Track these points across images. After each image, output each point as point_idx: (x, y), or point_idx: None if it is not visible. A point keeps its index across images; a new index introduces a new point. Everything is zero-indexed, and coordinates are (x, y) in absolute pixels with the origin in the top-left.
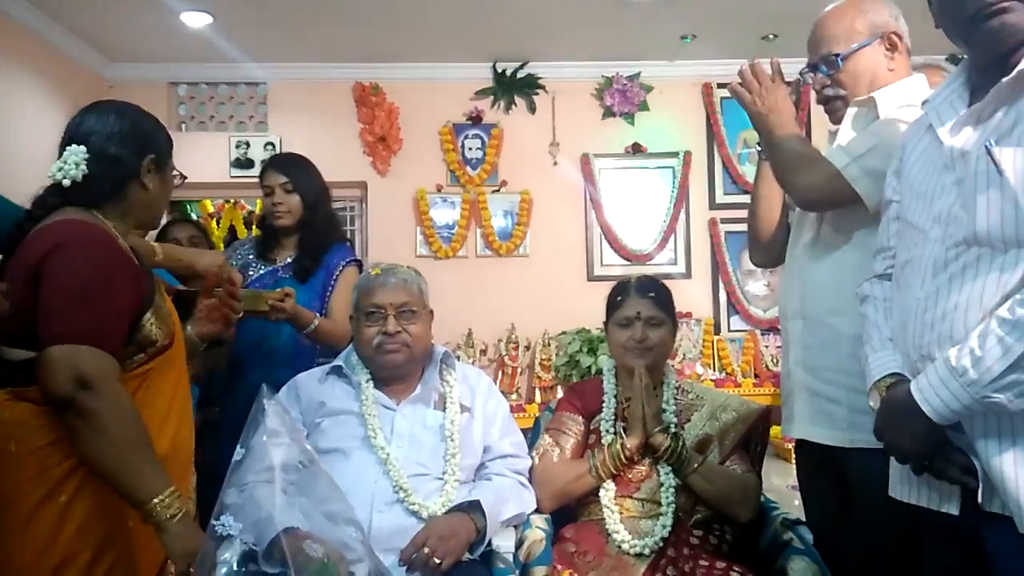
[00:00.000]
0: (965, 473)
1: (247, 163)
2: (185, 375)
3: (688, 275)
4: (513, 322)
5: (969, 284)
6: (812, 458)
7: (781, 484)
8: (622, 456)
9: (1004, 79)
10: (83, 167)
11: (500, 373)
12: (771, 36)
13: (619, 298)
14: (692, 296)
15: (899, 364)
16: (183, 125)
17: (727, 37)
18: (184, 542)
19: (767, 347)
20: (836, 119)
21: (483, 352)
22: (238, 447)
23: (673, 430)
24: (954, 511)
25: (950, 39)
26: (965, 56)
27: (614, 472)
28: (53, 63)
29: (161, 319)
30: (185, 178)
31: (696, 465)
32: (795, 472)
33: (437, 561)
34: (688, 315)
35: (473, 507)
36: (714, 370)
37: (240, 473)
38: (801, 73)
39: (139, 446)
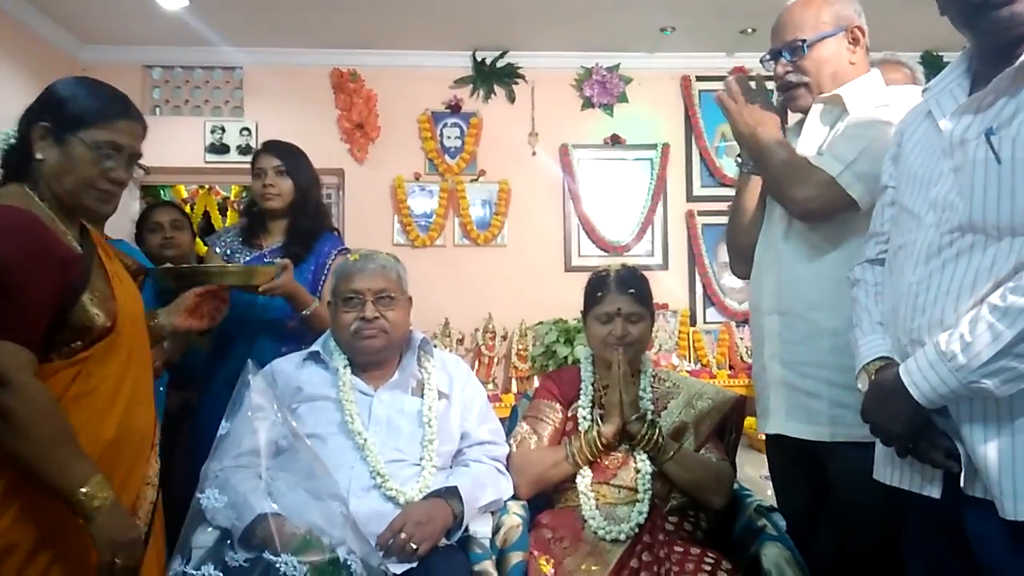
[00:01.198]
0: (948, 457)
1: (222, 148)
2: (139, 357)
3: (665, 266)
4: (490, 311)
5: (962, 270)
6: (786, 452)
7: (755, 474)
8: (598, 443)
9: (1007, 69)
10: (8, 141)
11: (477, 362)
12: (750, 30)
13: (599, 293)
14: (669, 287)
15: (888, 348)
16: (157, 109)
17: (706, 30)
18: (109, 532)
19: (742, 339)
20: (796, 107)
21: (460, 341)
22: (223, 422)
23: (650, 418)
24: (936, 494)
25: (955, 26)
26: (965, 46)
27: (591, 459)
28: (26, 44)
29: (102, 301)
30: (147, 171)
31: (672, 452)
32: (767, 465)
33: (414, 547)
34: (664, 306)
35: (450, 493)
36: (690, 361)
37: (224, 449)
38: (762, 60)
39: (59, 438)
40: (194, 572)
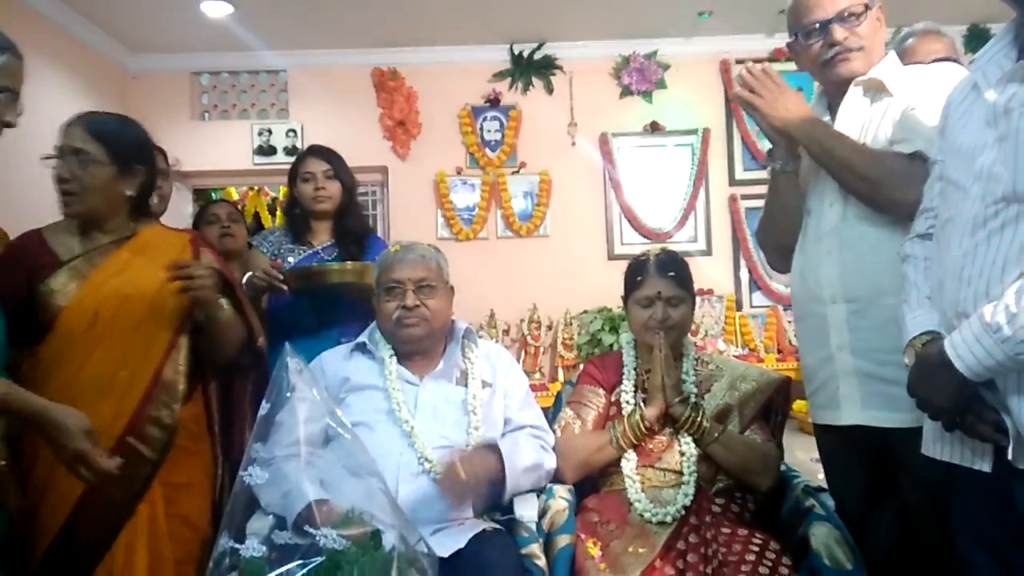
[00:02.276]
0: (996, 431)
1: (269, 150)
2: (117, 351)
3: (709, 252)
4: (535, 302)
5: (1008, 241)
6: (844, 437)
7: (805, 457)
8: (641, 426)
9: None
10: None
11: (523, 353)
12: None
13: (638, 277)
14: (713, 273)
15: (935, 322)
16: (206, 114)
17: (744, 12)
18: None
19: (790, 322)
20: (848, 72)
21: (506, 332)
22: (263, 402)
23: (693, 400)
24: (987, 468)
25: None
26: (1011, 19)
27: (635, 442)
28: (77, 55)
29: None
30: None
31: (716, 435)
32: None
33: (463, 477)
34: (710, 292)
35: (493, 447)
36: (737, 346)
37: (268, 434)
38: (798, 35)
39: None
40: (240, 546)
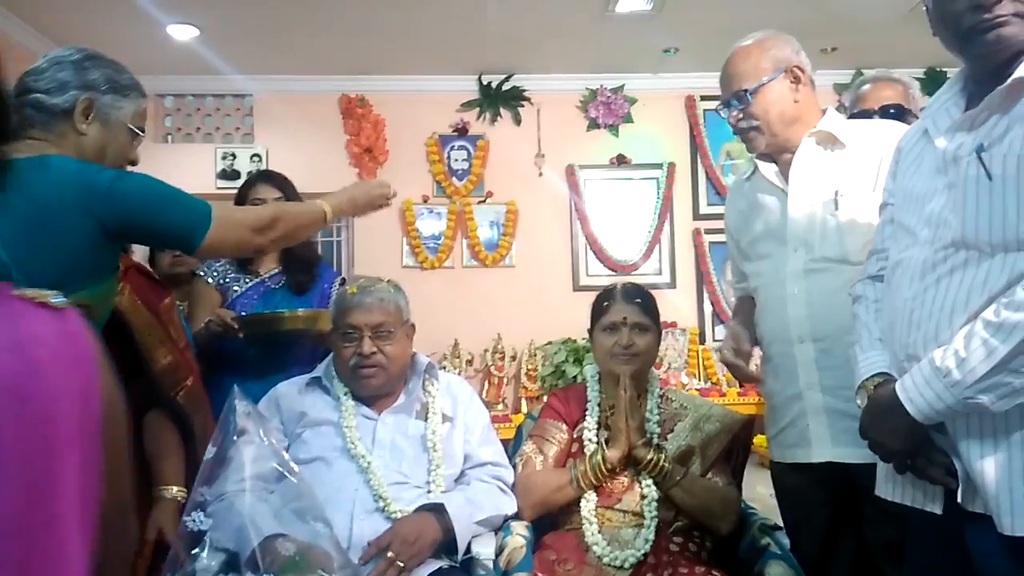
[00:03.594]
0: (946, 474)
1: (233, 174)
2: None
3: (673, 285)
4: (499, 332)
5: (956, 286)
6: (809, 475)
7: (765, 492)
8: (603, 468)
9: (999, 87)
10: None
11: (486, 383)
12: None
13: (605, 304)
14: (677, 306)
15: (887, 364)
16: (169, 137)
17: (709, 50)
18: None
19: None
20: (753, 147)
21: (469, 362)
22: (209, 446)
23: (655, 442)
24: (937, 510)
25: (947, 49)
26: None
27: (595, 483)
28: None
29: None
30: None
31: (678, 478)
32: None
33: (400, 565)
34: (673, 324)
35: (440, 508)
36: (699, 379)
37: (214, 477)
38: (717, 109)
39: None
40: None
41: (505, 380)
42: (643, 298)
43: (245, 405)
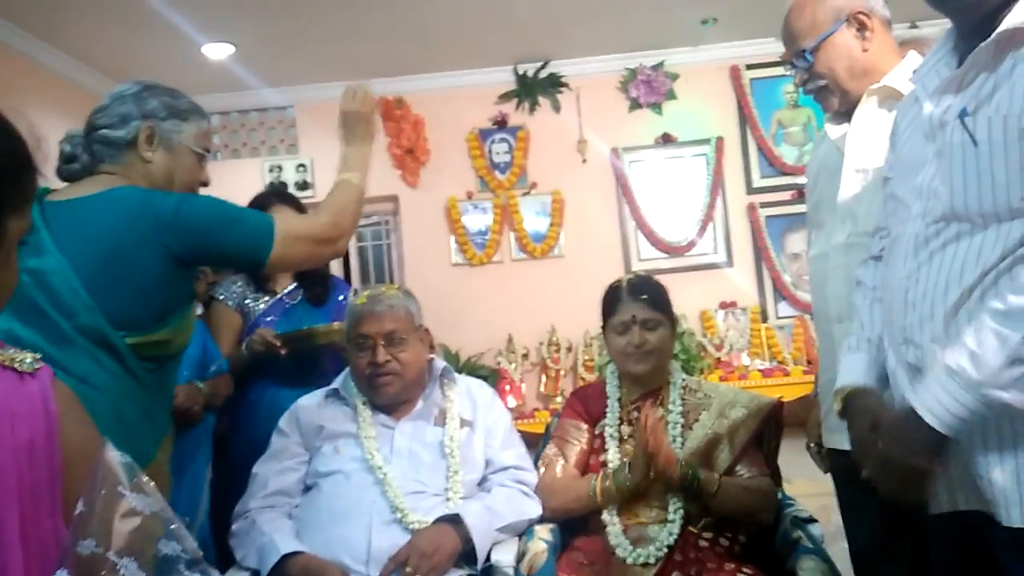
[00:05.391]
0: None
1: (281, 187)
2: None
3: (730, 263)
4: (553, 324)
5: (948, 261)
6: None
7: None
8: (617, 494)
9: (983, 43)
10: None
11: (543, 376)
12: None
13: (612, 303)
14: (736, 284)
15: (864, 374)
16: (218, 154)
17: (750, 16)
18: None
19: None
20: (826, 108)
21: (525, 356)
22: (80, 502)
23: (683, 470)
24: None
25: (930, 5)
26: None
27: (614, 502)
28: (85, 104)
29: None
30: None
31: (715, 490)
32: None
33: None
34: (733, 304)
35: (457, 518)
36: (764, 359)
37: (87, 533)
38: (785, 72)
39: None
40: None
41: (562, 372)
42: (651, 292)
43: (115, 455)
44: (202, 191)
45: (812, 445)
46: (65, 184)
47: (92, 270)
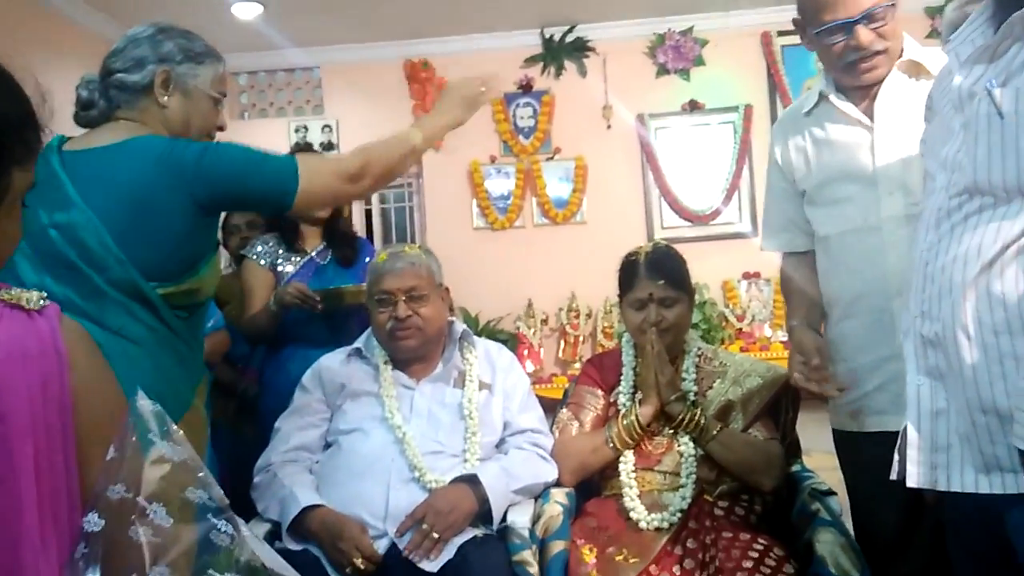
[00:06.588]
0: None
1: (306, 147)
2: None
3: (755, 232)
4: (573, 290)
5: (968, 235)
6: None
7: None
8: (637, 426)
9: (1017, 12)
10: None
11: (562, 342)
12: None
13: (629, 278)
14: (760, 254)
15: None
16: (245, 113)
17: None
18: None
19: None
20: (873, 77)
21: (544, 322)
22: (111, 447)
23: (691, 399)
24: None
25: None
26: None
27: (630, 442)
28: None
29: None
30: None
31: (715, 432)
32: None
33: (436, 536)
34: (756, 275)
35: (474, 479)
36: (784, 331)
37: (116, 478)
38: (817, 32)
39: None
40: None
41: (581, 339)
42: (669, 268)
43: (147, 404)
44: (220, 137)
45: None
46: (83, 131)
47: (119, 222)
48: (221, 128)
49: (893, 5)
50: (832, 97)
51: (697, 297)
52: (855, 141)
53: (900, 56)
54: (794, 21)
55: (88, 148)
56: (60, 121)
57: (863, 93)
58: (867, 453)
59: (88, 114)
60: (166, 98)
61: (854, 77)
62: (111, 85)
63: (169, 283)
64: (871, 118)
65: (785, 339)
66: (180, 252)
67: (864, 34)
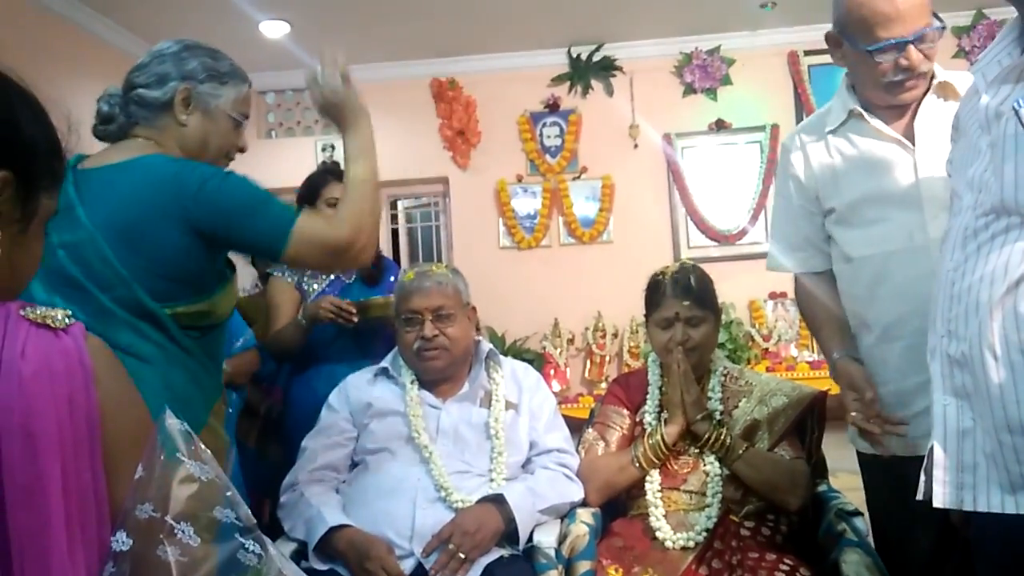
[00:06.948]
0: None
1: (334, 166)
2: None
3: None
4: (600, 310)
5: (995, 254)
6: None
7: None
8: (663, 445)
9: None
10: None
11: (588, 362)
12: None
13: (655, 297)
14: (786, 275)
15: None
16: (273, 132)
17: (810, 1)
18: None
19: None
20: (911, 97)
21: (570, 341)
22: (139, 466)
23: (717, 417)
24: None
25: None
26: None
27: (656, 461)
28: None
29: None
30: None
31: (740, 451)
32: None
33: (462, 556)
34: (783, 295)
35: (500, 498)
36: (811, 351)
37: (145, 497)
38: (870, 50)
39: None
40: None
41: (607, 358)
42: (695, 288)
43: (175, 422)
44: (240, 163)
45: None
46: (101, 146)
47: (114, 239)
48: (242, 150)
49: (944, 27)
50: (867, 115)
51: (723, 317)
52: (893, 160)
53: (933, 77)
54: (827, 36)
55: (100, 166)
56: (82, 137)
57: (895, 113)
58: (897, 474)
59: (107, 128)
60: (185, 116)
61: (894, 96)
62: (131, 100)
63: (177, 303)
64: (910, 138)
65: (812, 359)
66: (180, 273)
67: (915, 54)
